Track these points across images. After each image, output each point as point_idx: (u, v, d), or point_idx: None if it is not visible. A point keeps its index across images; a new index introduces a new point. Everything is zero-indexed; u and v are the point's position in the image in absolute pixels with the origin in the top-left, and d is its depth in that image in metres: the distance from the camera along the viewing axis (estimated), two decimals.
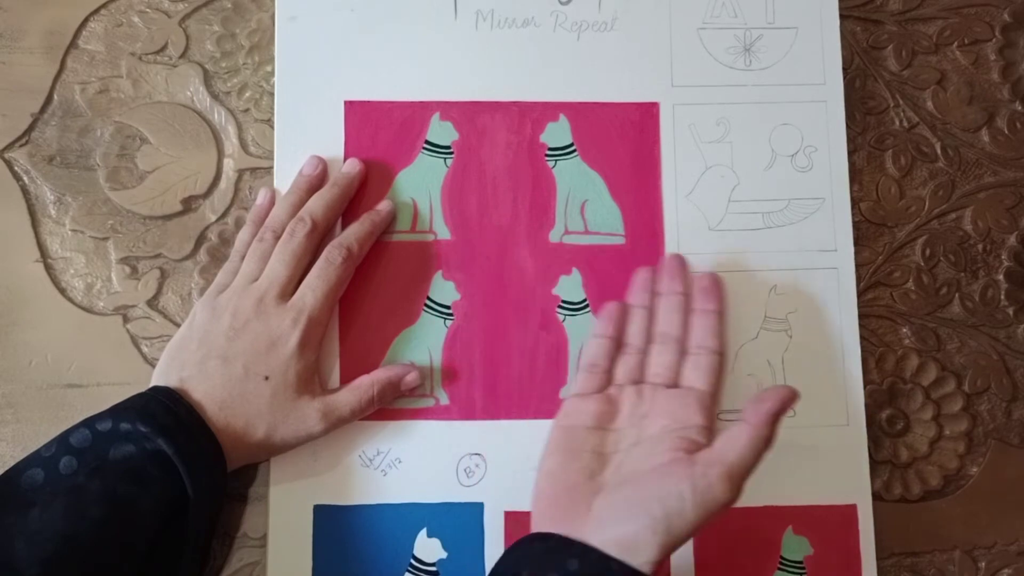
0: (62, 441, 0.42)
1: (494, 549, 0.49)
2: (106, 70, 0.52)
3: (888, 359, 0.53)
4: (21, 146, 0.52)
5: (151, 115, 0.52)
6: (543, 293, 0.51)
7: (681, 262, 0.50)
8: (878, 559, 0.50)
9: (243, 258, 0.48)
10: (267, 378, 0.45)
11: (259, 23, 0.53)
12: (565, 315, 0.51)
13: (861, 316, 0.52)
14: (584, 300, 0.51)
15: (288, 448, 0.47)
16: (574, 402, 0.47)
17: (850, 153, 0.54)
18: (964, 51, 0.56)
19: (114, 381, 0.50)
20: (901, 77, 0.55)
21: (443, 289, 0.51)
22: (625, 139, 0.53)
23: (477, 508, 0.49)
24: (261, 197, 0.50)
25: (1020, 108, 0.55)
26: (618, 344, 0.49)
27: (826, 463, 0.50)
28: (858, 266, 0.53)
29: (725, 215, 0.52)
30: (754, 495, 0.50)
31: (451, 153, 0.52)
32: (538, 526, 0.43)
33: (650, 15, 0.54)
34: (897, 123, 0.55)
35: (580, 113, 0.53)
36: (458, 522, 0.49)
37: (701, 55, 0.53)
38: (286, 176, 0.51)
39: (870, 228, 0.54)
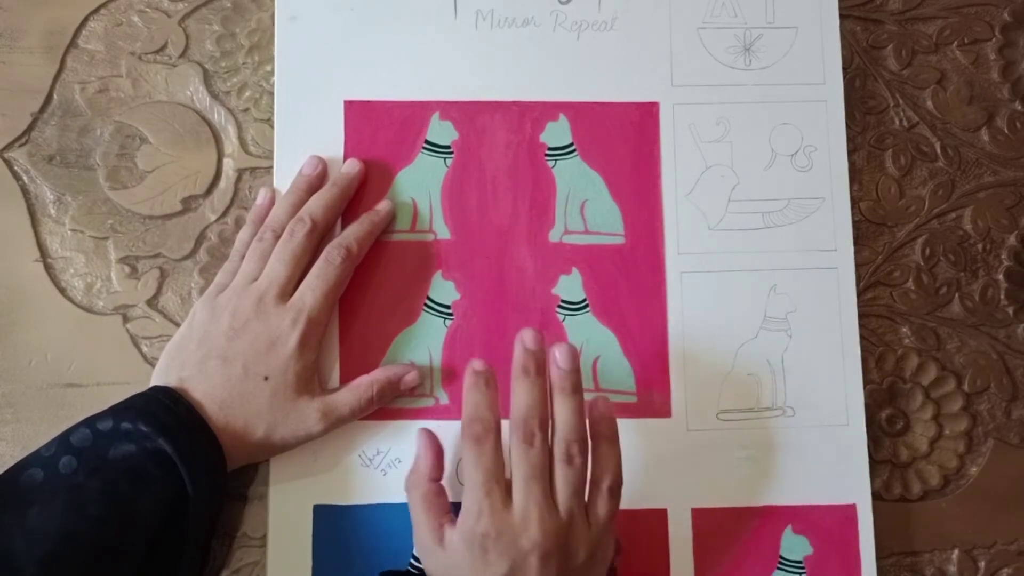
0: (62, 440, 0.42)
1: None
2: (106, 70, 0.52)
3: (888, 359, 0.53)
4: (21, 146, 0.52)
5: (151, 115, 0.52)
6: (543, 293, 0.51)
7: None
8: (878, 559, 0.50)
9: (243, 258, 0.48)
10: (267, 378, 0.45)
11: (259, 23, 0.53)
12: (565, 315, 0.51)
13: (861, 316, 0.52)
14: (584, 300, 0.51)
15: (288, 448, 0.47)
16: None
17: (850, 153, 0.54)
18: (964, 51, 0.55)
19: (114, 381, 0.50)
20: (901, 77, 0.55)
21: (443, 289, 0.51)
22: (625, 139, 0.53)
23: None
24: (261, 197, 0.50)
25: (1020, 108, 0.55)
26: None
27: (826, 463, 0.51)
28: (858, 266, 0.53)
29: (725, 215, 0.52)
30: (754, 495, 0.50)
31: (451, 153, 0.52)
32: None
33: (650, 15, 0.54)
34: (897, 123, 0.55)
35: (580, 113, 0.53)
36: None
37: (701, 55, 0.53)
38: (286, 176, 0.51)
39: (870, 228, 0.54)
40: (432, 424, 0.50)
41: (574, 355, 0.44)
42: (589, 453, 0.44)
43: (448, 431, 0.50)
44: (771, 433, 0.51)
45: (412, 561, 0.48)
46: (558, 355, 0.43)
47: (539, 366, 0.43)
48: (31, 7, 0.52)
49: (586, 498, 0.43)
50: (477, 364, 0.44)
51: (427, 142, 0.52)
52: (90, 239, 0.51)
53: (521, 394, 0.43)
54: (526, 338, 0.44)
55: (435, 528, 0.43)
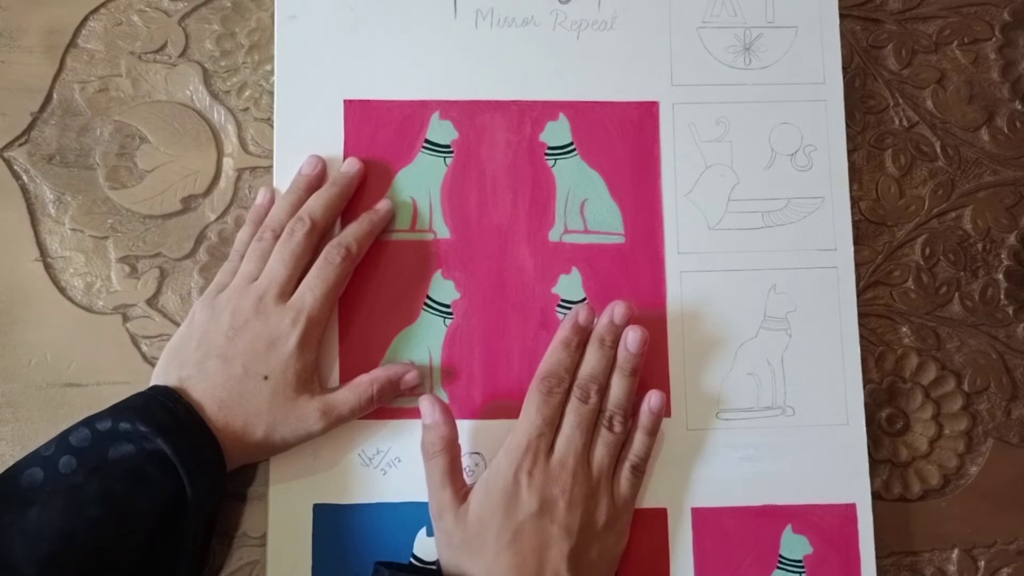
0: (62, 440, 0.42)
1: None
2: (105, 69, 0.52)
3: (888, 358, 0.53)
4: (20, 145, 0.52)
5: (150, 114, 0.52)
6: (543, 292, 0.51)
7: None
8: (877, 558, 0.50)
9: (242, 257, 0.48)
10: (266, 378, 0.45)
11: (258, 22, 0.53)
12: (565, 314, 0.51)
13: (861, 315, 0.52)
14: (584, 299, 0.51)
15: (288, 447, 0.47)
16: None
17: (850, 152, 0.54)
18: (964, 50, 0.55)
19: (114, 380, 0.50)
20: (901, 76, 0.55)
21: (442, 288, 0.51)
22: (625, 138, 0.53)
23: None
24: (260, 196, 0.50)
25: (1020, 107, 0.55)
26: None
27: (826, 462, 0.51)
28: (858, 265, 0.53)
29: (725, 214, 0.52)
30: (754, 494, 0.50)
31: (451, 152, 0.52)
32: None
33: (650, 14, 0.54)
34: (897, 122, 0.55)
35: (580, 112, 0.53)
36: None
37: (701, 54, 0.53)
38: (285, 175, 0.51)
39: (870, 227, 0.54)
40: None
41: (643, 341, 0.48)
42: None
43: None
44: (771, 433, 0.51)
45: (412, 561, 0.48)
46: (629, 338, 0.48)
47: (615, 340, 0.48)
48: (31, 6, 0.52)
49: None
50: (583, 315, 0.48)
51: (427, 141, 0.52)
52: (90, 238, 0.51)
53: (591, 359, 0.48)
54: (616, 312, 0.48)
55: (458, 489, 0.46)
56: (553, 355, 0.48)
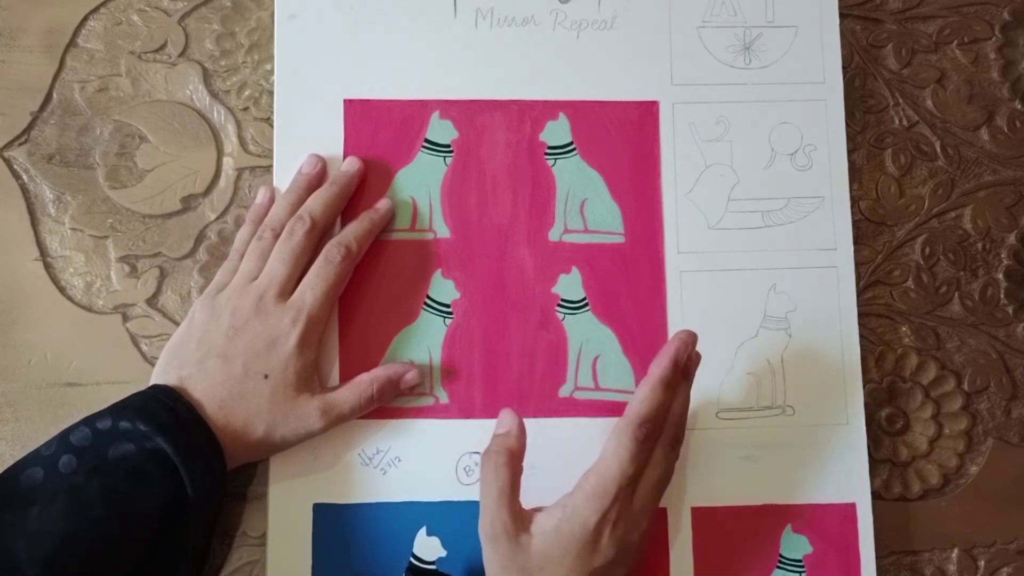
0: (62, 440, 0.42)
1: None
2: (105, 68, 0.52)
3: (888, 358, 0.53)
4: (20, 144, 0.52)
5: (150, 114, 0.52)
6: (543, 292, 0.51)
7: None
8: (877, 558, 0.50)
9: (242, 257, 0.48)
10: (266, 377, 0.45)
11: (258, 21, 0.53)
12: (565, 314, 0.51)
13: (860, 315, 0.52)
14: (584, 299, 0.51)
15: (288, 446, 0.47)
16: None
17: (850, 152, 0.54)
18: (964, 50, 0.55)
19: (113, 380, 0.50)
20: (901, 76, 0.55)
21: (442, 287, 0.51)
22: (625, 138, 0.53)
23: (476, 507, 0.49)
24: (260, 196, 0.50)
25: (1020, 107, 0.55)
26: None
27: (825, 462, 0.51)
28: (858, 265, 0.53)
29: (724, 214, 0.52)
30: (753, 494, 0.50)
31: (450, 152, 0.52)
32: None
33: (650, 13, 0.54)
34: (897, 122, 0.55)
35: (580, 112, 0.53)
36: (457, 521, 0.49)
37: (701, 54, 0.53)
38: (285, 175, 0.51)
39: (870, 227, 0.54)
40: (431, 423, 0.50)
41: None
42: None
43: (447, 430, 0.50)
44: (771, 432, 0.51)
45: (412, 561, 0.48)
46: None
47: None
48: (31, 6, 0.52)
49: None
50: (681, 349, 0.45)
51: (427, 141, 0.52)
52: (90, 238, 0.51)
53: (682, 399, 0.46)
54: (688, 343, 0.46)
55: (517, 514, 0.43)
56: (655, 396, 0.44)
